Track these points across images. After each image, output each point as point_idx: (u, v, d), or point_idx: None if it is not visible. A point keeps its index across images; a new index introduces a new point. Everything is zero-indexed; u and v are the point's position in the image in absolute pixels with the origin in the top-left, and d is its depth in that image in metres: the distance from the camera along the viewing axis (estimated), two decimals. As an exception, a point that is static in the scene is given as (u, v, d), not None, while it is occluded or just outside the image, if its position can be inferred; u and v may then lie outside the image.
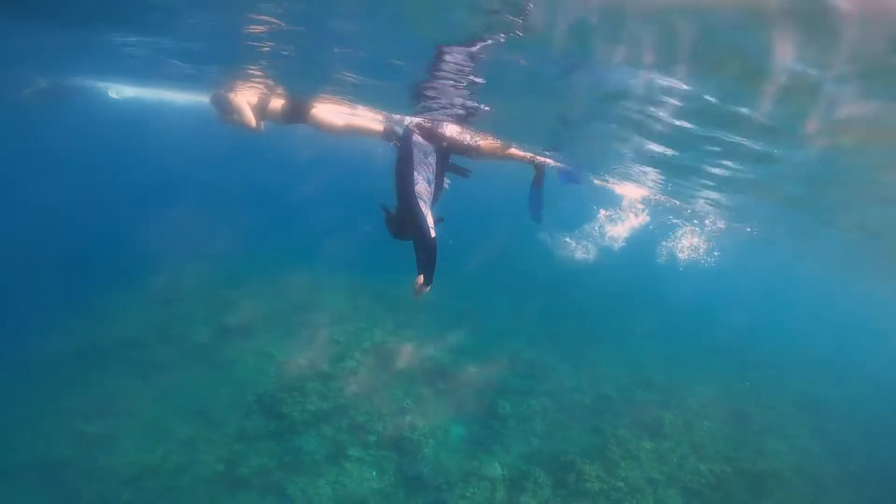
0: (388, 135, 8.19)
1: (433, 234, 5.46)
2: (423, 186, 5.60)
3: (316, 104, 9.71)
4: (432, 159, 5.89)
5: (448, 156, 6.41)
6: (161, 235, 25.87)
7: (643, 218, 23.40)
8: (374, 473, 15.03)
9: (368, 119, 9.12)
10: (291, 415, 15.88)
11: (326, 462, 14.96)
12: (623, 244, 25.24)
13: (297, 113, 9.27)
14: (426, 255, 5.40)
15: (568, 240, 27.79)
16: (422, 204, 5.56)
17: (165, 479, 13.35)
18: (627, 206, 23.06)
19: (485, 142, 8.63)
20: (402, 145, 5.90)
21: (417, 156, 5.74)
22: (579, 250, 27.75)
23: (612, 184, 20.40)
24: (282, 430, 15.54)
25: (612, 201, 23.60)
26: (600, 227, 24.90)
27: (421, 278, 5.43)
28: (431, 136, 6.54)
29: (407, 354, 19.32)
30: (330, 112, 9.49)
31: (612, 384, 20.50)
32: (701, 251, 25.61)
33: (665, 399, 19.96)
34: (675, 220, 24.45)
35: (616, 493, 14.81)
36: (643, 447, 16.48)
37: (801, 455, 18.40)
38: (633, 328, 26.66)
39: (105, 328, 18.52)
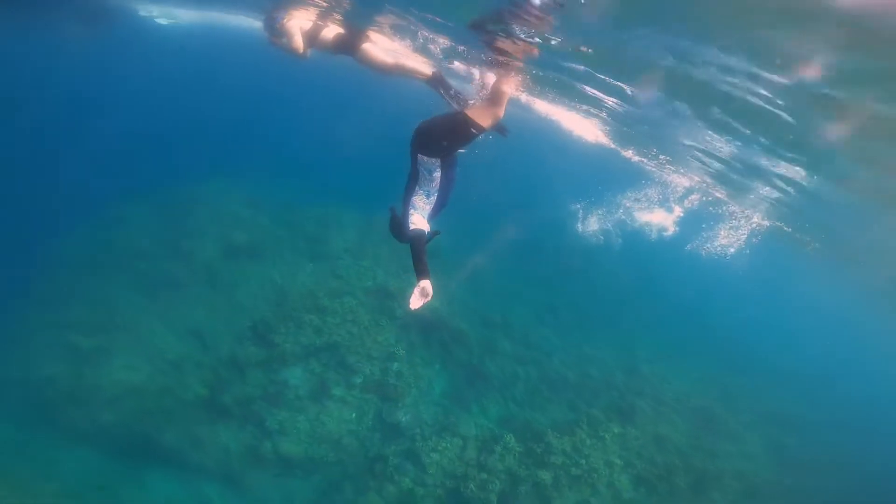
0: (435, 80, 7.89)
1: (410, 234, 5.87)
2: (420, 198, 6.03)
3: (369, 38, 9.22)
4: (437, 174, 6.03)
5: (454, 162, 6.28)
6: (184, 152, 25.51)
7: (679, 210, 22.48)
8: (354, 415, 15.24)
9: (419, 61, 8.58)
10: (283, 345, 15.93)
11: (309, 398, 15.13)
12: (651, 231, 24.49)
13: (348, 45, 8.81)
14: (414, 257, 5.71)
15: (593, 218, 26.99)
16: (412, 212, 6.01)
17: (148, 401, 13.58)
18: (671, 194, 22.07)
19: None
20: (411, 167, 6.11)
21: (423, 174, 6.02)
22: (600, 230, 27.03)
23: (665, 167, 19.51)
24: (271, 360, 15.67)
25: (655, 187, 22.68)
26: (631, 210, 24.12)
27: (419, 287, 5.56)
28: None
29: (405, 299, 19.03)
30: (381, 49, 9.00)
31: (598, 365, 20.43)
32: (730, 248, 24.75)
33: (643, 388, 19.97)
34: (713, 210, 23.43)
35: (576, 469, 15.02)
36: (611, 430, 16.58)
37: (748, 462, 18.56)
38: (633, 314, 26.28)
39: (116, 237, 18.52)
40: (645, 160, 20.32)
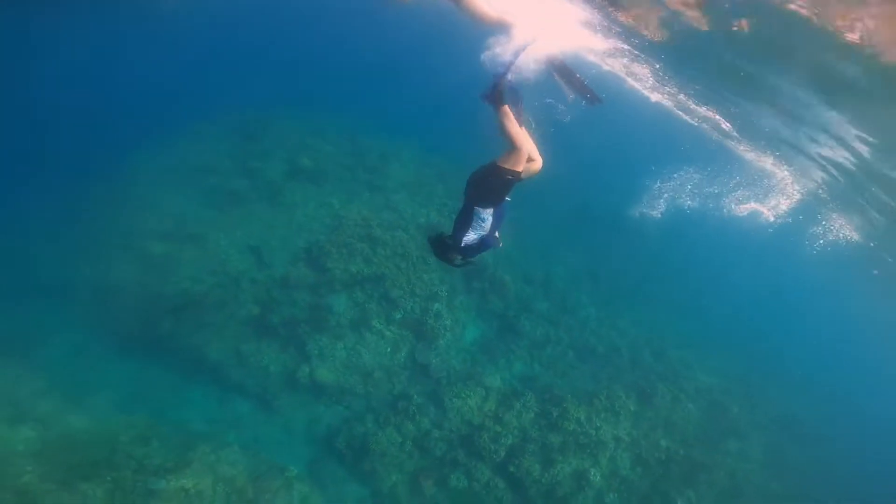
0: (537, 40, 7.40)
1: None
2: (471, 236, 5.73)
3: None
4: (489, 220, 5.73)
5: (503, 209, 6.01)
6: (258, 79, 25.25)
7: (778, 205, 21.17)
8: (389, 350, 15.69)
9: (522, 20, 8.12)
10: (333, 271, 16.29)
11: (350, 327, 15.60)
12: (720, 218, 23.30)
13: None
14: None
15: (658, 197, 25.73)
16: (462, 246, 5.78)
17: (204, 314, 14.23)
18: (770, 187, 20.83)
19: None
20: (465, 209, 5.75)
21: (476, 221, 5.68)
22: (663, 208, 25.85)
23: (770, 162, 18.37)
24: (320, 285, 16.09)
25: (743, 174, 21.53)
26: (708, 196, 22.90)
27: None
28: None
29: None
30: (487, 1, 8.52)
31: (628, 341, 20.33)
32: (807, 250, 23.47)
33: (667, 372, 19.79)
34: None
35: (585, 438, 15.28)
36: (627, 408, 16.65)
37: (744, 462, 18.42)
38: (674, 297, 25.53)
39: (189, 154, 19.02)
40: (747, 148, 19.04)
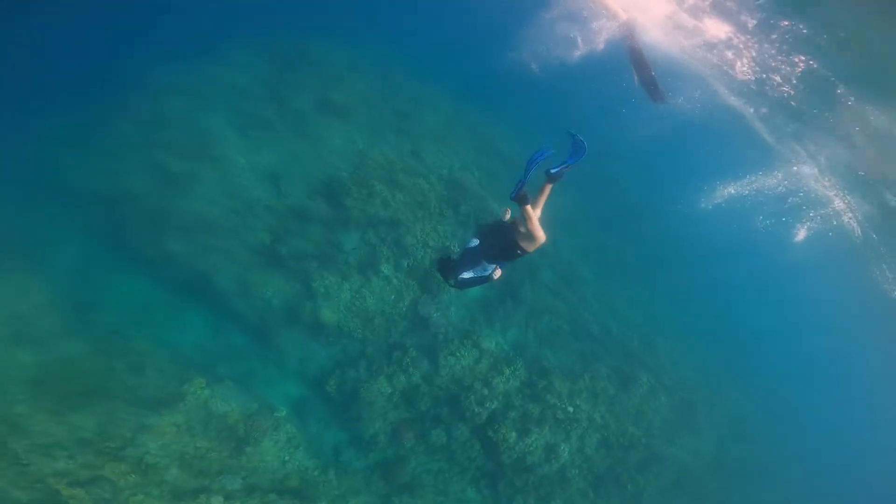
0: (628, 27, 7.71)
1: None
2: (469, 275, 5.95)
3: None
4: (489, 272, 5.91)
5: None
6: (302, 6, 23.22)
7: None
8: (393, 297, 14.99)
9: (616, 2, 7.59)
10: (350, 209, 15.41)
11: (357, 269, 14.85)
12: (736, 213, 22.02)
13: None
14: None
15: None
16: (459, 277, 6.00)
17: (215, 238, 13.44)
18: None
19: None
20: (476, 254, 5.94)
21: (479, 267, 5.91)
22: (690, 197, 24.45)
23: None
24: (335, 221, 15.30)
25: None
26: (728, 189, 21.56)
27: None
28: None
29: (474, 197, 17.97)
30: None
31: (620, 323, 19.66)
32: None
33: (651, 363, 19.21)
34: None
35: (562, 413, 14.91)
36: (607, 391, 16.33)
37: (692, 459, 18.40)
38: (675, 288, 24.45)
39: (221, 74, 17.64)
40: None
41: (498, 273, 5.87)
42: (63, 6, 17.06)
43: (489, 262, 5.86)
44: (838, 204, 18.17)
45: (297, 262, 14.14)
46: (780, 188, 20.18)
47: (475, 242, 6.09)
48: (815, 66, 10.45)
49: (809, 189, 18.78)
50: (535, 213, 5.48)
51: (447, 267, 6.00)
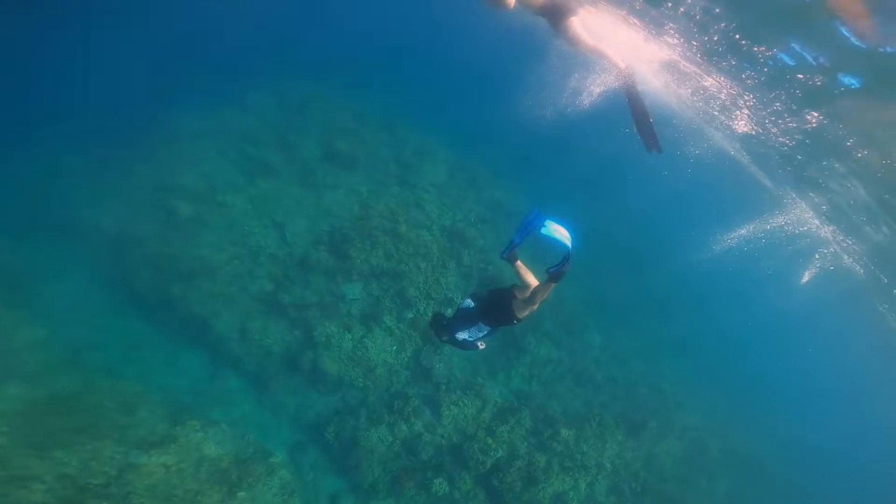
0: (627, 77, 7.33)
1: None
2: (463, 335, 6.32)
3: (579, 12, 8.09)
4: (483, 333, 6.34)
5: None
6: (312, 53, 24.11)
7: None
8: (395, 348, 14.77)
9: (616, 52, 7.68)
10: (354, 259, 15.40)
11: (360, 320, 14.74)
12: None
13: (556, 11, 7.71)
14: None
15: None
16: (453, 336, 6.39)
17: (217, 284, 13.38)
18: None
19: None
20: (473, 314, 6.32)
21: (474, 328, 6.28)
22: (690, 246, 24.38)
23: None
24: (337, 271, 15.27)
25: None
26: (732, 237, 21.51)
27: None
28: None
29: (476, 249, 17.97)
30: (586, 28, 8.01)
31: (625, 372, 19.29)
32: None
33: (659, 408, 18.80)
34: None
35: (569, 462, 14.50)
36: (615, 437, 15.87)
37: (707, 500, 17.81)
38: (679, 334, 24.05)
39: (231, 118, 18.05)
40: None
41: (482, 346, 6.38)
42: (77, 44, 17.74)
43: (485, 323, 6.15)
44: (838, 244, 18.05)
45: (298, 311, 14.05)
46: (782, 232, 20.09)
47: (470, 303, 6.41)
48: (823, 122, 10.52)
49: (810, 232, 18.65)
50: (530, 282, 5.83)
51: (441, 325, 6.38)
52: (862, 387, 34.36)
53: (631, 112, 7.32)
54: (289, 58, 23.05)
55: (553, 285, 5.50)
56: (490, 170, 23.49)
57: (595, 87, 17.96)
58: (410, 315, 15.26)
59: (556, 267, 5.32)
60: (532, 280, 5.93)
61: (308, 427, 12.92)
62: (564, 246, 5.31)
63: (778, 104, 10.76)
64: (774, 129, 13.56)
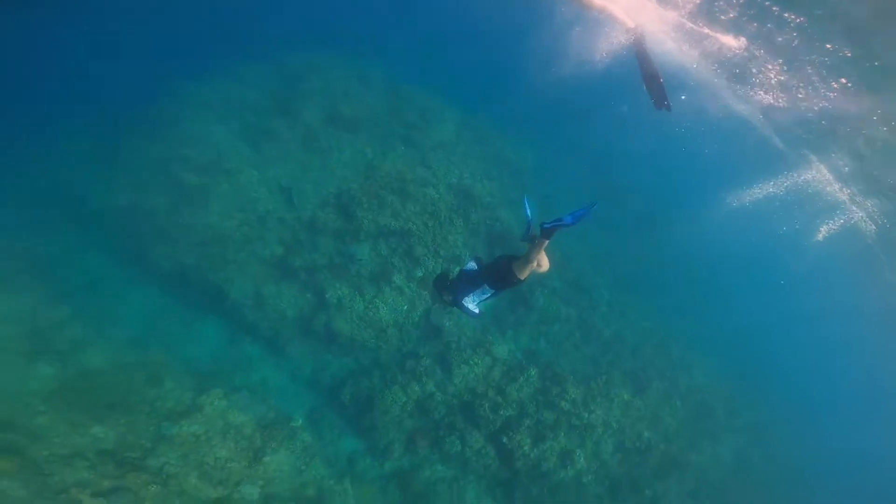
0: (634, 34, 7.38)
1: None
2: (467, 299, 6.20)
3: None
4: (487, 295, 6.25)
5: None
6: (308, 20, 23.15)
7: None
8: (406, 308, 14.82)
9: (623, 11, 7.77)
10: (361, 220, 15.30)
11: (369, 280, 14.76)
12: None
13: None
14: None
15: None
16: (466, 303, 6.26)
17: (229, 251, 13.33)
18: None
19: None
20: (478, 277, 6.22)
21: (478, 291, 6.18)
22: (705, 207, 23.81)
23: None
24: (346, 232, 15.22)
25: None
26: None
27: None
28: None
29: (483, 206, 17.71)
30: None
31: (634, 331, 19.22)
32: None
33: (665, 368, 18.74)
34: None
35: (577, 420, 14.60)
36: (621, 396, 15.91)
37: (713, 465, 17.91)
38: (688, 294, 23.86)
39: (232, 89, 17.62)
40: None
41: (478, 311, 6.23)
42: (81, 23, 17.22)
43: (489, 285, 6.11)
44: (854, 208, 17.75)
45: (309, 273, 14.03)
46: (794, 194, 19.76)
47: (473, 265, 6.41)
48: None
49: (825, 194, 18.30)
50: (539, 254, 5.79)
51: (444, 285, 6.31)
52: (871, 349, 33.90)
53: (640, 70, 7.24)
54: (288, 27, 22.27)
55: (546, 242, 5.61)
56: (497, 129, 22.96)
57: (605, 46, 17.40)
58: (420, 273, 15.19)
59: (551, 223, 5.42)
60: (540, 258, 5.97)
61: (324, 389, 13.17)
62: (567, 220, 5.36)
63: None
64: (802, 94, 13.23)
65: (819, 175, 17.24)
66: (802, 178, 18.34)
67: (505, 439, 13.70)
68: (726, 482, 17.92)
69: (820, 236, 21.45)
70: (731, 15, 9.49)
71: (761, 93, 13.59)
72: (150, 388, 10.58)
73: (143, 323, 11.79)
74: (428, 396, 13.63)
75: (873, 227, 18.04)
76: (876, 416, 30.53)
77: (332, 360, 13.52)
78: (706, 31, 11.06)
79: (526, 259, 5.79)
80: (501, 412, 13.89)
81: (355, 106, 19.04)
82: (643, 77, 7.34)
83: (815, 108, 12.59)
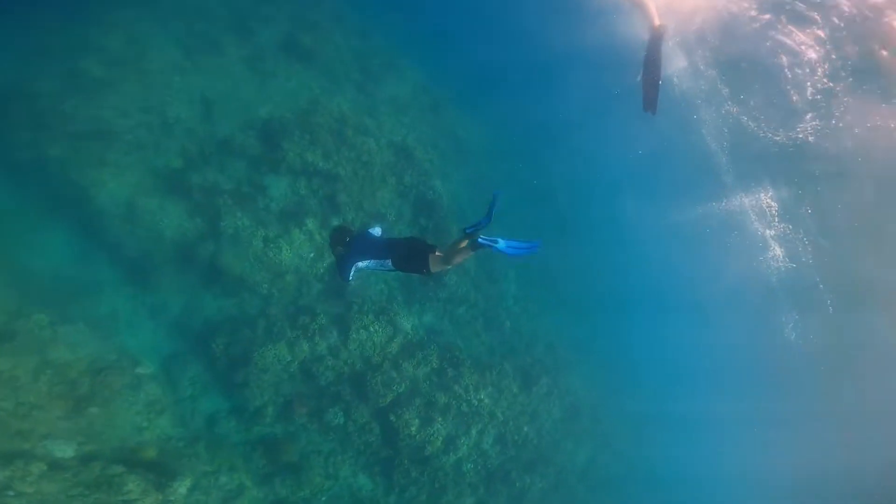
0: (658, 32, 6.81)
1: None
2: (361, 264, 5.35)
3: None
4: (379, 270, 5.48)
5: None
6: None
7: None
8: (312, 256, 11.94)
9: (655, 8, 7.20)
10: (287, 152, 12.31)
11: (278, 217, 11.79)
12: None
13: None
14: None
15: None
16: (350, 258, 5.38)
17: (111, 151, 10.06)
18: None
19: None
20: (384, 249, 5.42)
21: (379, 263, 5.36)
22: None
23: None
24: (263, 161, 12.10)
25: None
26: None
27: None
28: None
29: (420, 173, 15.28)
30: None
31: (529, 328, 17.29)
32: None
33: (553, 367, 16.94)
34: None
35: (466, 406, 12.63)
36: (510, 388, 14.21)
37: (569, 465, 16.85)
38: (585, 301, 22.08)
39: None
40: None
41: (352, 278, 5.40)
42: None
43: (393, 263, 5.29)
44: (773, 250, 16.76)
45: (207, 195, 10.87)
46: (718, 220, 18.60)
47: (378, 232, 5.68)
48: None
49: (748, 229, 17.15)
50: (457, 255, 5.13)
51: (342, 239, 5.44)
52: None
53: (644, 67, 6.78)
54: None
55: (469, 251, 5.07)
56: (453, 99, 20.38)
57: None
58: (336, 222, 12.39)
59: (472, 227, 4.93)
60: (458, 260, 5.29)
61: (193, 334, 9.89)
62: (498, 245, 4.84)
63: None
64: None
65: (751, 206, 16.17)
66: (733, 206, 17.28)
67: (393, 417, 11.37)
68: (579, 480, 17.01)
69: (733, 270, 20.55)
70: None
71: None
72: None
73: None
74: (317, 359, 10.91)
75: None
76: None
77: (211, 300, 10.26)
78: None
79: (446, 259, 5.15)
80: (394, 388, 11.59)
81: (318, 40, 15.73)
82: (643, 77, 6.88)
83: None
